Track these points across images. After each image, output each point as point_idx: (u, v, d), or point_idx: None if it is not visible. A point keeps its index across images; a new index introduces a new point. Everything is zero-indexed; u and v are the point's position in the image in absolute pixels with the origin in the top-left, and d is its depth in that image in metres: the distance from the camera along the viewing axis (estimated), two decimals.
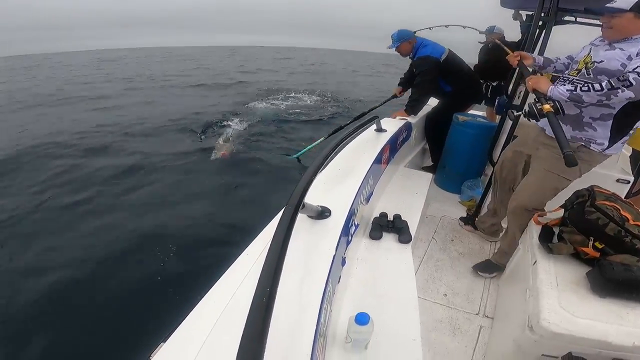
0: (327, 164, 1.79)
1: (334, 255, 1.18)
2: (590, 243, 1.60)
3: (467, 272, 2.42)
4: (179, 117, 8.33)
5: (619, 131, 1.89)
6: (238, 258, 1.18)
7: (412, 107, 3.38)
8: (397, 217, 2.00)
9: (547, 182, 2.12)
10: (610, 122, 1.87)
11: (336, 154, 1.86)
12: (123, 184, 4.77)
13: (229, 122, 7.92)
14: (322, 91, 13.09)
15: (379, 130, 2.48)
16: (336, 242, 1.24)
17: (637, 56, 1.72)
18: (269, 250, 0.80)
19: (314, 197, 1.44)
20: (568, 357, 1.37)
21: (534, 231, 1.91)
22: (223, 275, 1.10)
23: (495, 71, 4.03)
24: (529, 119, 1.91)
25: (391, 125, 2.70)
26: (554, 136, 1.80)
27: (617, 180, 2.64)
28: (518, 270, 2.01)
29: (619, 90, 1.63)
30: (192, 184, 4.80)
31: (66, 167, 5.35)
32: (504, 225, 2.48)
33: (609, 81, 1.67)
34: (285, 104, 10.95)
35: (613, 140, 1.91)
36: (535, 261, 1.72)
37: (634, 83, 1.59)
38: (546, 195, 2.15)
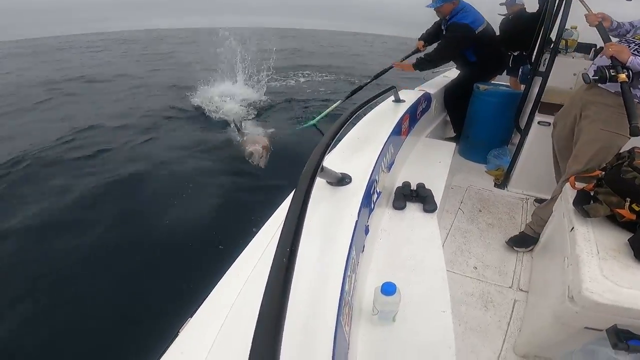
0: (345, 133, 1.74)
1: (357, 221, 1.13)
2: (627, 205, 1.50)
3: (497, 244, 2.34)
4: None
5: None
6: (257, 234, 1.15)
7: (422, 65, 3.25)
8: (421, 186, 1.92)
9: (607, 142, 2.02)
10: None
11: (353, 124, 1.80)
12: None
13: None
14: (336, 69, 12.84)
15: (397, 100, 2.40)
16: (358, 208, 1.19)
17: None
18: (287, 213, 0.76)
19: (332, 164, 1.38)
20: (613, 330, 1.28)
21: (569, 196, 1.80)
22: (243, 252, 1.07)
23: (516, 41, 3.87)
24: (596, 82, 1.88)
25: (409, 95, 2.61)
26: (605, 92, 1.87)
27: None
28: (554, 239, 1.92)
29: None
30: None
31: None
32: None
33: None
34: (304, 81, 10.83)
35: None
36: (573, 227, 1.63)
37: None
38: (607, 155, 2.02)
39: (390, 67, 3.62)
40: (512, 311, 1.91)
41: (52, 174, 4.36)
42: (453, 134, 3.73)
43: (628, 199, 1.51)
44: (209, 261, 2.48)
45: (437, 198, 1.89)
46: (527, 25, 3.26)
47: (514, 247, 2.31)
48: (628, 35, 2.07)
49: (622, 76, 1.76)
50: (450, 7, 3.13)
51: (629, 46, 1.90)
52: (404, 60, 3.62)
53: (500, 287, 2.04)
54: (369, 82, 4.17)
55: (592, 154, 2.05)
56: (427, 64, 3.25)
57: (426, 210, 1.78)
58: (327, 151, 1.10)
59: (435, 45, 3.40)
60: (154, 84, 10.22)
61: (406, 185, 1.92)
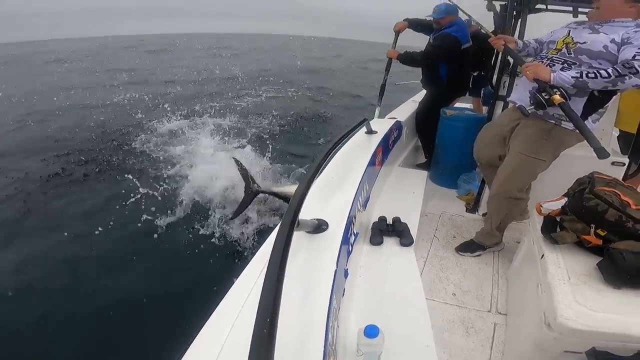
0: (320, 173, 1.76)
1: (336, 270, 1.14)
2: (592, 230, 1.58)
3: (473, 269, 2.39)
4: None
5: (592, 108, 1.93)
6: (236, 281, 1.14)
7: (405, 60, 3.43)
8: (397, 219, 1.97)
9: (522, 165, 2.14)
10: (585, 98, 1.90)
11: (328, 162, 1.83)
12: None
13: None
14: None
15: (370, 132, 2.45)
16: (336, 256, 1.20)
17: (626, 45, 1.75)
18: (266, 275, 0.76)
19: (309, 210, 1.40)
20: (592, 353, 1.33)
21: (537, 223, 1.87)
22: (221, 302, 1.05)
23: (475, 62, 4.02)
24: (536, 110, 1.89)
25: (381, 126, 2.68)
26: (527, 114, 1.90)
27: (613, 164, 2.62)
28: (526, 263, 1.98)
29: (626, 77, 1.65)
30: None
31: None
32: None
33: (614, 68, 1.69)
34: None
35: (585, 118, 1.92)
36: (543, 255, 1.69)
37: (639, 70, 1.63)
38: (523, 178, 2.18)
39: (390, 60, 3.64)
40: (494, 335, 1.93)
41: None
42: (424, 159, 3.83)
43: (593, 225, 1.58)
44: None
45: (413, 230, 1.94)
46: (484, 46, 3.43)
47: (459, 252, 2.47)
48: (543, 52, 2.15)
49: (557, 97, 1.75)
50: (450, 19, 3.37)
51: (543, 62, 1.99)
52: (394, 47, 3.69)
53: (479, 311, 2.06)
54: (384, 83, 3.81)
55: (505, 176, 2.19)
56: (409, 61, 3.43)
57: (403, 244, 1.82)
58: (305, 198, 1.12)
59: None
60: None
61: (382, 220, 1.96)
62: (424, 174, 2.81)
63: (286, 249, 0.84)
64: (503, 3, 3.50)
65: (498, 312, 2.05)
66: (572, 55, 1.93)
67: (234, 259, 3.60)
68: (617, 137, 2.97)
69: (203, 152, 5.88)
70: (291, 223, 0.93)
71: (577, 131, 1.79)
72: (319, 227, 1.31)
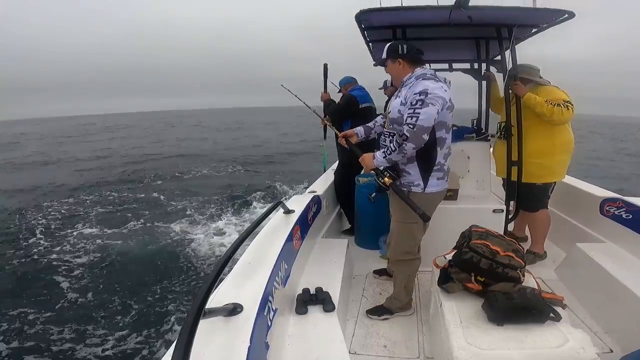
0: (236, 259, 1.92)
1: (249, 347, 1.27)
2: (473, 278, 1.87)
3: (400, 320, 2.57)
4: None
5: (426, 169, 2.15)
6: None
7: (327, 110, 3.86)
8: (319, 289, 2.14)
9: (401, 231, 2.37)
10: (415, 162, 2.16)
11: (245, 247, 1.99)
12: None
13: None
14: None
15: (287, 212, 2.62)
16: (250, 333, 1.32)
17: (405, 105, 2.04)
18: None
19: (225, 297, 1.54)
20: None
21: (435, 275, 2.15)
22: None
23: None
24: (380, 193, 2.25)
25: (299, 203, 2.88)
26: (388, 189, 2.19)
27: (494, 211, 3.04)
28: (435, 312, 2.21)
29: (404, 145, 1.96)
30: None
31: None
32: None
33: (395, 140, 2.00)
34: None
35: (425, 179, 2.16)
36: (441, 303, 1.95)
37: (408, 135, 1.94)
38: (406, 242, 2.38)
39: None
40: None
41: None
42: (349, 225, 4.11)
43: (472, 274, 1.88)
44: None
45: (335, 297, 2.11)
46: None
47: (368, 315, 2.59)
48: (386, 129, 2.37)
49: (387, 180, 2.12)
50: (348, 87, 3.92)
51: (385, 141, 2.27)
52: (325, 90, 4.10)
53: (409, 359, 2.23)
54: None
55: (393, 243, 2.46)
56: (329, 112, 3.81)
57: (326, 310, 1.99)
58: (213, 289, 1.27)
59: None
60: None
61: (306, 291, 2.12)
62: (344, 242, 3.03)
63: (190, 338, 0.97)
64: None
65: (427, 357, 2.23)
66: (390, 126, 2.25)
67: None
68: (502, 184, 3.39)
69: None
70: (196, 314, 1.06)
71: (427, 192, 2.18)
72: (234, 310, 1.44)
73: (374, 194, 2.31)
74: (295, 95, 3.39)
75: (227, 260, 1.43)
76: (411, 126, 1.93)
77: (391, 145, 2.04)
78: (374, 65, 2.38)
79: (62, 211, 9.39)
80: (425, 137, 1.96)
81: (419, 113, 1.92)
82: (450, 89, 2.11)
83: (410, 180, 2.20)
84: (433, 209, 2.35)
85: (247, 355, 1.23)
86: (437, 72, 2.19)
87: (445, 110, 2.02)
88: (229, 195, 10.29)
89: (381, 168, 2.20)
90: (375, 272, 3.19)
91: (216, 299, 1.54)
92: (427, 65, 2.27)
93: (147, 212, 9.05)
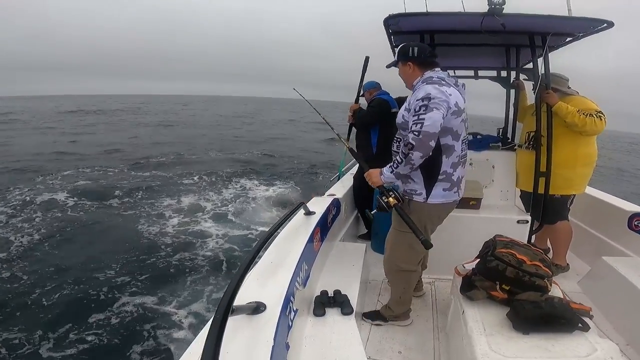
0: (258, 260, 1.92)
1: (273, 346, 1.27)
2: (498, 286, 1.84)
3: (415, 326, 2.54)
4: None
5: (429, 178, 2.06)
6: None
7: (356, 119, 3.83)
8: (337, 292, 2.13)
9: (398, 240, 2.28)
10: (419, 170, 2.05)
11: (267, 247, 1.99)
12: None
13: None
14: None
15: (308, 213, 2.63)
16: (273, 333, 1.32)
17: (409, 111, 1.97)
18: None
19: (249, 294, 1.54)
20: None
21: (458, 283, 2.11)
22: None
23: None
24: (380, 211, 2.12)
25: (319, 205, 2.88)
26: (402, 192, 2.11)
27: (518, 222, 2.99)
28: (454, 319, 2.17)
29: (411, 154, 1.86)
30: None
31: None
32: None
33: (402, 150, 1.92)
34: None
35: (429, 188, 2.07)
36: (463, 311, 1.91)
37: (414, 143, 1.84)
38: (403, 252, 2.29)
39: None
40: None
41: None
42: (365, 230, 4.08)
43: (497, 282, 1.84)
44: None
45: (353, 300, 2.09)
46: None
47: (363, 318, 2.52)
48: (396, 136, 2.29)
49: (391, 200, 2.01)
50: (373, 92, 3.85)
51: (393, 146, 2.23)
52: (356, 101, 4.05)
53: None
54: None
55: (388, 251, 2.40)
56: (357, 121, 3.83)
57: (344, 314, 1.97)
58: (241, 284, 1.27)
59: None
60: None
61: (324, 293, 2.11)
62: (362, 246, 3.01)
63: (220, 335, 0.98)
64: None
65: None
66: (398, 130, 2.18)
67: None
68: (520, 196, 3.32)
69: None
70: (225, 311, 1.07)
71: (429, 202, 2.09)
72: (257, 308, 1.45)
73: (374, 211, 2.19)
74: (307, 101, 3.32)
75: (252, 258, 1.44)
76: (416, 133, 1.83)
77: (397, 157, 1.96)
78: (387, 67, 2.32)
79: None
80: (432, 143, 1.86)
81: (424, 119, 1.83)
82: (460, 93, 2.05)
83: (412, 188, 2.12)
84: (437, 222, 2.28)
85: (271, 354, 1.23)
86: (458, 79, 2.14)
87: (450, 116, 1.93)
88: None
89: (387, 186, 2.11)
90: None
91: (239, 298, 1.54)
92: (438, 68, 2.14)
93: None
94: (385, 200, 2.03)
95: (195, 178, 11.31)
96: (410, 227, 1.98)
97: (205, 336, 0.98)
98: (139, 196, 9.23)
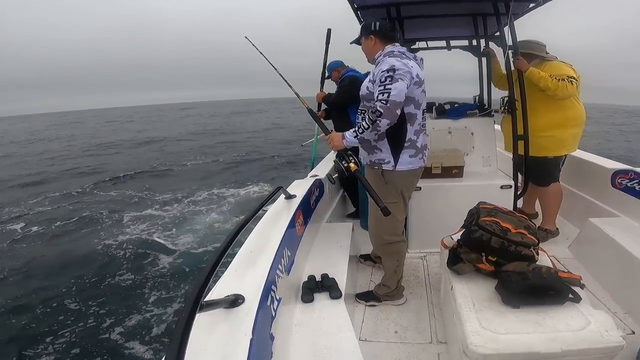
0: (239, 250, 1.85)
1: (252, 339, 1.21)
2: (484, 258, 1.79)
3: (409, 305, 2.52)
4: None
5: (396, 146, 2.12)
6: None
7: (327, 102, 3.83)
8: (325, 276, 2.08)
9: (378, 213, 2.19)
10: (386, 140, 2.12)
11: (246, 235, 1.92)
12: None
13: None
14: None
15: (289, 197, 2.55)
16: (252, 325, 1.27)
17: (374, 82, 2.01)
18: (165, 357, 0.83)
19: (227, 288, 1.48)
20: None
21: (445, 256, 2.07)
22: None
23: None
24: (337, 179, 2.10)
25: (300, 188, 2.80)
26: (362, 164, 2.13)
27: (502, 187, 2.96)
28: (446, 295, 2.14)
29: (378, 121, 1.90)
30: None
31: None
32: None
33: (368, 117, 1.95)
34: None
35: (396, 156, 2.13)
36: (452, 286, 1.87)
37: (382, 111, 1.88)
38: (385, 224, 2.29)
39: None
40: None
41: None
42: (354, 209, 4.03)
43: (483, 254, 1.80)
44: None
45: (342, 282, 2.05)
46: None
47: (356, 299, 2.53)
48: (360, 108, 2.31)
49: (351, 165, 2.06)
50: (341, 70, 3.83)
51: (358, 118, 2.24)
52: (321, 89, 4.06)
53: (422, 344, 2.16)
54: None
55: (373, 226, 2.41)
56: (328, 104, 3.81)
57: (332, 297, 1.92)
58: (212, 277, 1.20)
59: None
60: None
61: (311, 278, 2.06)
62: (349, 225, 2.96)
63: (186, 332, 0.91)
64: None
65: (439, 342, 2.17)
66: (362, 102, 2.23)
67: None
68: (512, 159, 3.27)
69: None
70: (193, 306, 1.00)
71: (398, 170, 2.14)
72: (235, 301, 1.38)
73: (335, 175, 2.21)
74: (266, 58, 2.86)
75: (224, 250, 1.36)
76: (384, 102, 1.88)
77: (363, 123, 1.99)
78: (351, 43, 2.31)
79: None
80: (398, 112, 1.93)
81: (390, 88, 1.90)
82: (419, 65, 2.13)
83: (381, 158, 2.17)
84: (410, 189, 2.33)
85: (250, 347, 1.18)
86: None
87: (413, 86, 2.02)
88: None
89: (348, 151, 2.13)
90: (361, 256, 3.12)
91: (217, 291, 1.49)
92: (398, 43, 2.19)
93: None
94: (345, 165, 2.09)
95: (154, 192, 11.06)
96: (369, 193, 2.00)
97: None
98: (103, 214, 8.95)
